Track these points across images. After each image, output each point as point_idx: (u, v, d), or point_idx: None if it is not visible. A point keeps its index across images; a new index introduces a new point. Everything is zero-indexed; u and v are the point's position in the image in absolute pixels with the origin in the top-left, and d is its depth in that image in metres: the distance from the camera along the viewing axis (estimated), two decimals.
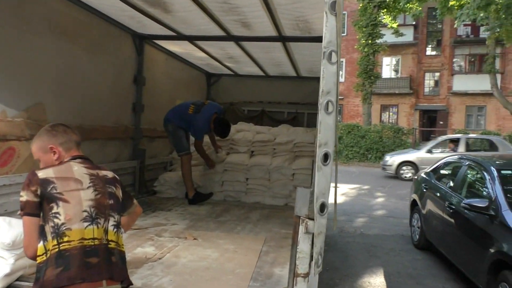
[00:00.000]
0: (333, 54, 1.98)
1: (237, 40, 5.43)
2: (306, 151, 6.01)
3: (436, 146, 16.29)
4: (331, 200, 2.06)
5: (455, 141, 15.85)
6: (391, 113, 31.91)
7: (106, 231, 1.99)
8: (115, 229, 2.05)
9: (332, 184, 2.09)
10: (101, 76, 4.79)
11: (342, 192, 12.13)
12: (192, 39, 5.54)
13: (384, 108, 31.65)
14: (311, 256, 2.03)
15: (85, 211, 1.94)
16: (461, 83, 29.19)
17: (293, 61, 6.61)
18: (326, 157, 1.96)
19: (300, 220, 2.06)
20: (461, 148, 15.02)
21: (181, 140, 5.54)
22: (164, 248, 3.32)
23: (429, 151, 15.84)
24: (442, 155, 11.64)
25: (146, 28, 5.15)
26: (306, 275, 2.05)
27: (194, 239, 3.65)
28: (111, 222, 2.04)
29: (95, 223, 1.95)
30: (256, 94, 8.46)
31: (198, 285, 2.65)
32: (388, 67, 31.97)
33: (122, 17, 4.75)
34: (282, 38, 5.24)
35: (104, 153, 5.01)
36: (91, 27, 4.55)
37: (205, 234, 3.83)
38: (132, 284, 2.11)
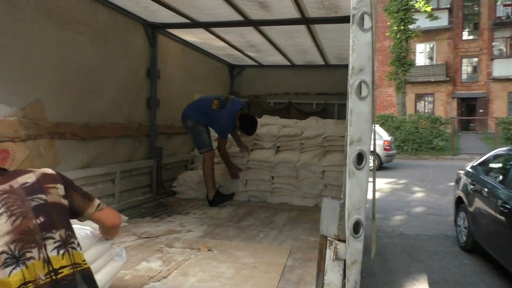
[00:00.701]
0: (366, 17, 1.45)
1: (256, 24, 4.91)
2: (337, 146, 5.45)
3: None
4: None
5: None
6: (426, 102, 30.59)
7: (47, 262, 1.47)
8: (61, 250, 1.52)
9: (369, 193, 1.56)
10: (109, 69, 4.39)
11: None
12: (207, 26, 5.06)
13: (419, 97, 30.37)
14: None
15: (2, 252, 1.40)
16: (502, 68, 27.58)
17: (320, 47, 6.04)
18: (360, 158, 1.44)
19: (328, 242, 1.55)
20: None
21: (201, 136, 5.09)
22: (172, 263, 2.88)
23: None
24: None
25: (157, 15, 4.72)
26: None
27: (209, 250, 3.19)
28: (51, 245, 1.50)
29: (22, 263, 1.42)
30: (282, 85, 7.97)
31: None
32: (422, 54, 30.64)
33: (129, 2, 4.33)
34: (305, 20, 4.69)
35: (115, 153, 4.64)
36: (96, 16, 4.16)
37: (222, 244, 3.36)
38: None
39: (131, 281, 2.51)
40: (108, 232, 2.04)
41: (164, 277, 2.60)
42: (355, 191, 1.42)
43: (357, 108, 1.46)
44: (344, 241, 1.49)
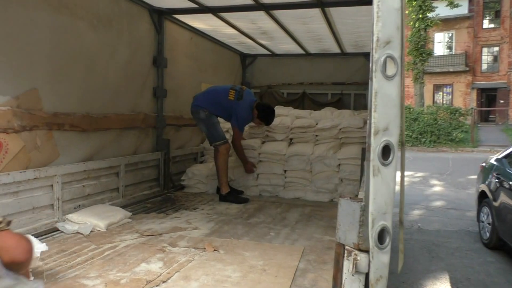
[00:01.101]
0: None
1: (268, 8, 4.62)
2: (354, 138, 5.16)
3: None
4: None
5: None
6: (445, 93, 29.83)
7: None
8: None
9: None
10: (112, 57, 4.16)
11: None
12: (216, 10, 4.78)
13: (437, 88, 29.65)
14: None
15: None
16: None
17: (336, 33, 5.72)
18: (387, 151, 1.17)
19: (346, 251, 1.28)
20: None
21: (216, 128, 4.82)
22: (174, 265, 2.64)
23: None
24: None
25: (163, 0, 4.46)
26: None
27: (215, 250, 2.95)
28: None
29: None
30: (296, 75, 7.68)
31: None
32: (440, 44, 29.83)
33: None
34: (320, 3, 4.39)
35: (120, 145, 4.43)
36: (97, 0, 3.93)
37: (229, 244, 3.12)
38: None
39: (126, 286, 2.29)
40: (8, 268, 1.39)
41: (164, 281, 2.37)
42: (380, 191, 1.15)
43: (383, 89, 1.19)
44: (366, 251, 1.23)
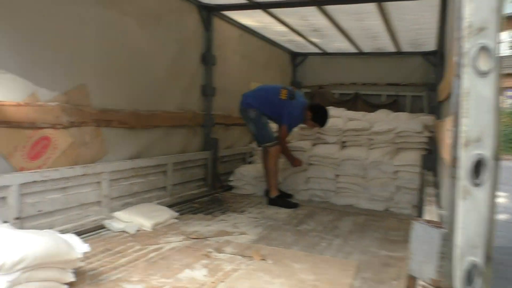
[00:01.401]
0: None
1: (320, 4, 4.38)
2: (412, 143, 4.80)
3: None
4: None
5: None
6: (507, 97, 27.99)
7: None
8: None
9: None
10: (160, 53, 4.10)
11: None
12: (265, 6, 4.60)
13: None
14: None
15: None
16: None
17: (392, 30, 5.38)
18: (480, 168, 0.93)
19: (420, 287, 1.05)
20: None
21: (267, 128, 4.63)
22: (219, 273, 2.49)
23: None
24: None
25: None
26: None
27: (262, 259, 2.78)
28: None
29: None
30: (349, 75, 7.36)
31: None
32: (502, 43, 28.01)
33: None
34: None
35: (168, 143, 4.37)
36: None
37: (277, 253, 2.93)
38: None
39: None
40: None
41: None
42: (471, 219, 0.92)
43: (476, 89, 0.96)
44: None
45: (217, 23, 4.96)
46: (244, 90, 4.99)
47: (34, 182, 2.93)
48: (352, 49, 6.77)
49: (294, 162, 4.85)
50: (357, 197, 4.68)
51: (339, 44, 6.44)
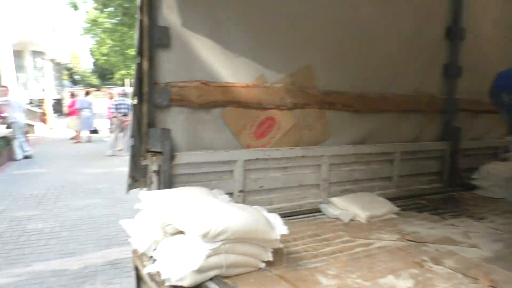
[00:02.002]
0: None
1: None
2: None
3: None
4: None
5: None
6: None
7: None
8: None
9: None
10: (392, 29, 3.67)
11: None
12: None
13: None
14: None
15: None
16: None
17: None
18: None
19: None
20: None
21: None
22: None
23: None
24: None
25: None
26: None
27: (491, 286, 2.17)
28: None
29: None
30: None
31: None
32: None
33: None
34: None
35: (397, 130, 3.99)
36: None
37: None
38: None
39: None
40: None
41: None
42: None
43: None
44: None
45: None
46: (499, 70, 4.04)
47: (257, 159, 3.11)
48: None
49: None
50: None
51: None
